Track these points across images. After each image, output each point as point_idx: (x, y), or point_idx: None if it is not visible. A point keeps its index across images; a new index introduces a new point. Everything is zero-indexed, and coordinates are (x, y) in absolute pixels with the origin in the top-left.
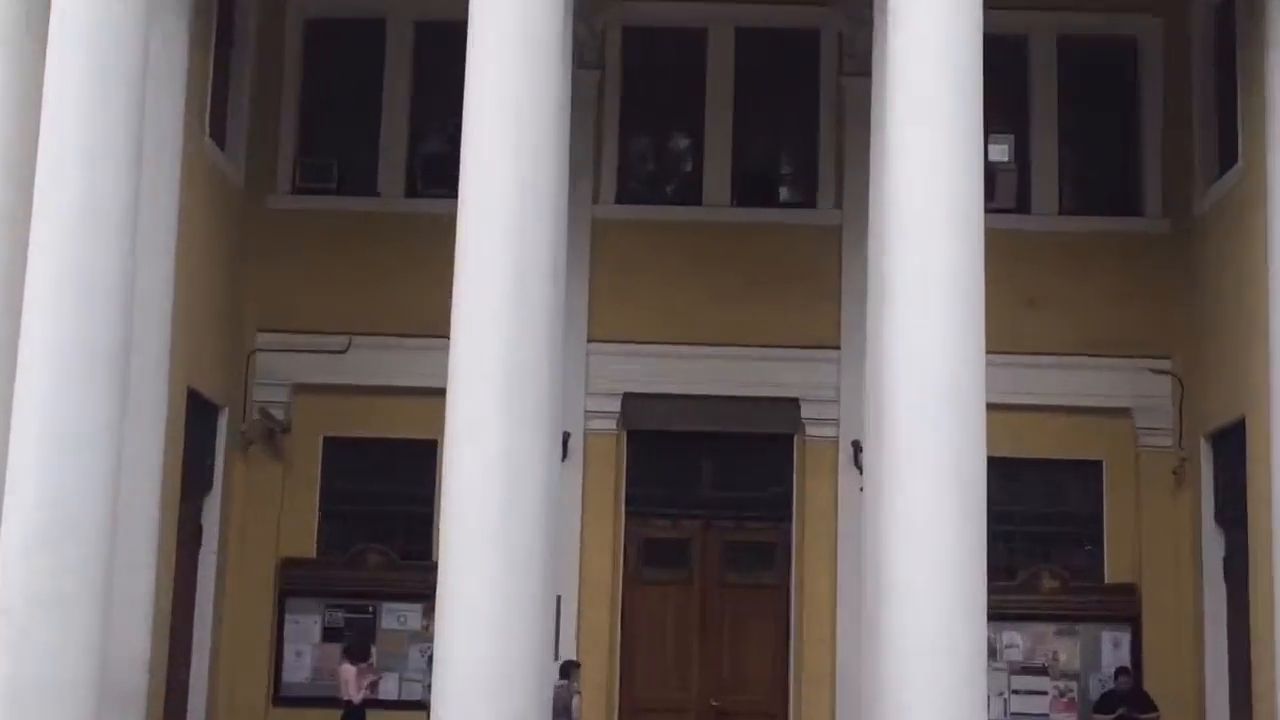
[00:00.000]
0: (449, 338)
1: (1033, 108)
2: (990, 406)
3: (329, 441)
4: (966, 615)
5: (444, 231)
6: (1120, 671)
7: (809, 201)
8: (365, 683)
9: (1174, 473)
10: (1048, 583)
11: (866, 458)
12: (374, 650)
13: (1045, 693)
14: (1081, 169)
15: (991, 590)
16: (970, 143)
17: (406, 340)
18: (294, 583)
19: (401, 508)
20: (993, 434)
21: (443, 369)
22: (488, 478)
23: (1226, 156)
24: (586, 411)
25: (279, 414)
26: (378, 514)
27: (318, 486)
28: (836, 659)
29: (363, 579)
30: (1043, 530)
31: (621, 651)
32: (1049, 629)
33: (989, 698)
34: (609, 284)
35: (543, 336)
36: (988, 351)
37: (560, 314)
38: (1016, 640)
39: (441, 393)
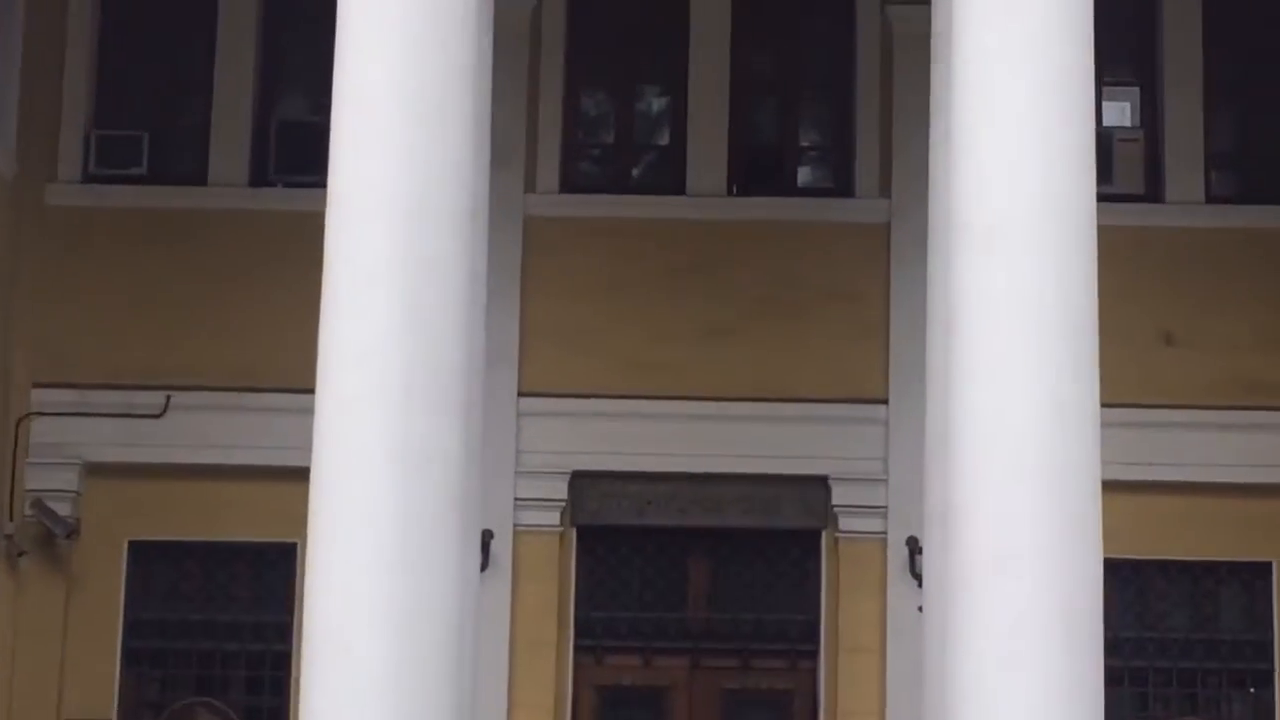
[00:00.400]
0: (314, 394)
1: (1164, 51)
2: (1109, 486)
3: (136, 548)
4: None
5: (307, 238)
6: None
7: (842, 189)
8: None
9: None
10: None
11: (928, 563)
12: None
13: None
14: (1239, 138)
15: None
16: (1078, 99)
17: (251, 397)
18: None
19: (244, 645)
20: (1112, 525)
21: (304, 439)
22: (370, 600)
23: None
24: (517, 500)
25: (62, 509)
26: (209, 654)
27: (120, 615)
28: None
29: None
30: (1188, 666)
31: None
32: None
33: None
34: (550, 313)
35: (452, 394)
36: (1104, 405)
37: (478, 358)
38: None
39: (303, 474)
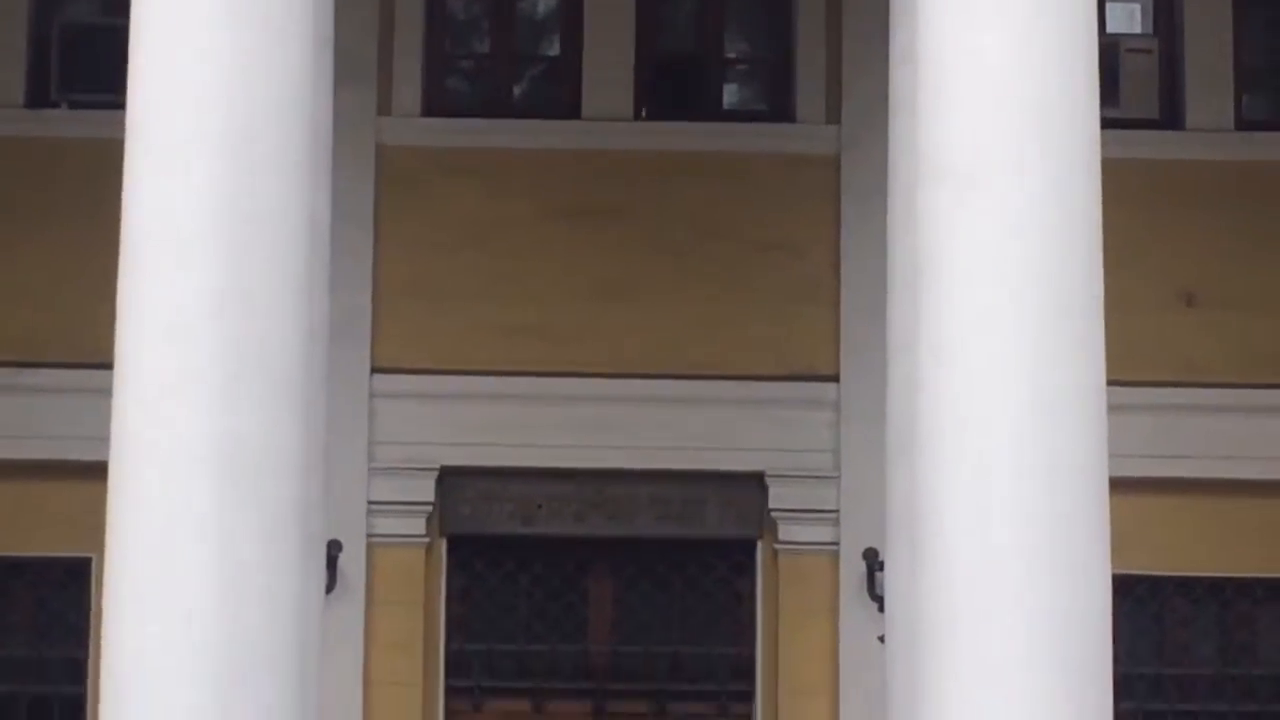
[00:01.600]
0: (112, 371)
1: None
2: (1118, 484)
3: None
4: None
5: (101, 173)
6: None
7: (779, 113)
8: None
9: None
10: None
11: (890, 582)
12: None
13: None
14: (1275, 51)
15: None
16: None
17: (32, 374)
18: None
19: (25, 688)
20: (1123, 534)
21: (101, 427)
22: (188, 635)
23: None
24: (372, 504)
25: None
26: None
27: None
28: None
29: None
30: (1218, 710)
31: None
32: None
33: None
34: (410, 269)
35: (287, 375)
36: (1111, 383)
37: (321, 329)
38: None
39: (99, 470)
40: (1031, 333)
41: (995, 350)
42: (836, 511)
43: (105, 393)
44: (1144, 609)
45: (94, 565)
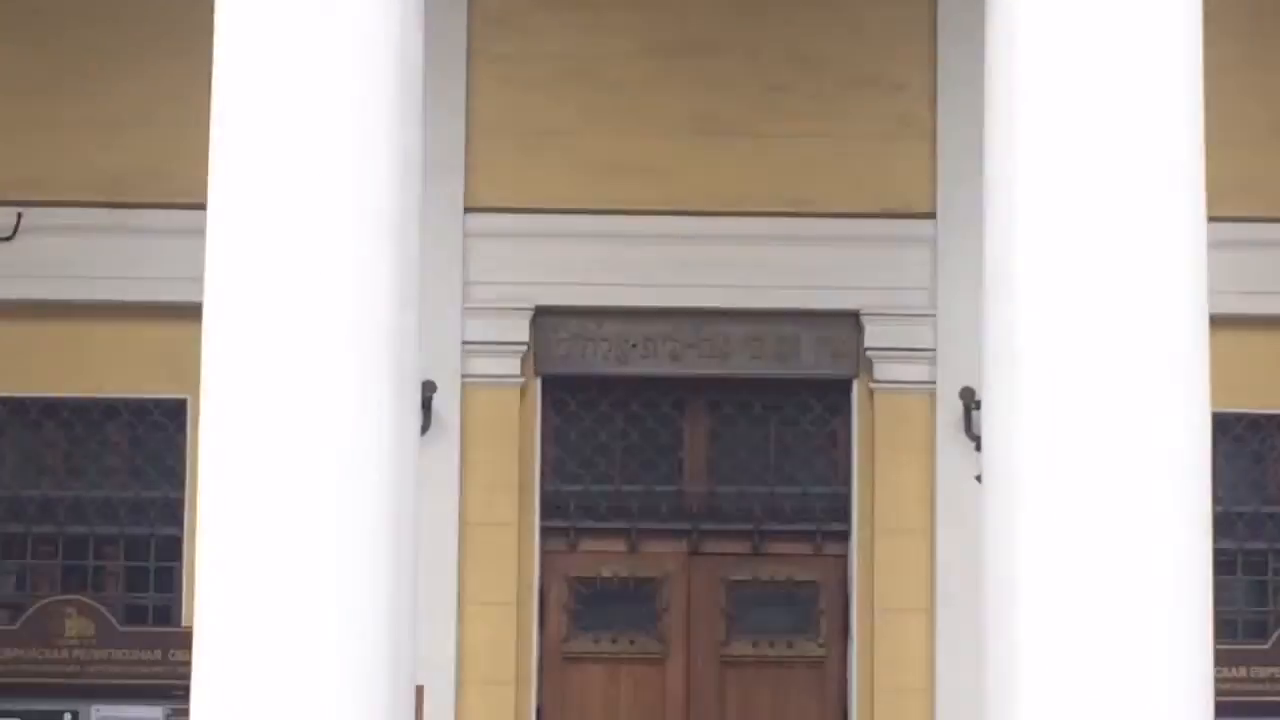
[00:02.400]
0: (205, 211)
1: None
2: (1216, 321)
3: None
4: (1179, 707)
5: (196, 4)
6: None
7: None
8: None
9: None
10: None
11: (987, 420)
12: None
13: None
14: None
15: (1222, 662)
16: None
17: (124, 215)
18: None
19: (123, 529)
20: (1222, 371)
21: (194, 267)
22: (282, 472)
23: None
24: (466, 344)
25: None
26: (78, 541)
27: None
28: None
29: (52, 661)
30: None
31: None
32: None
33: None
34: (505, 106)
35: (380, 211)
36: (1210, 219)
37: (414, 164)
38: None
39: (193, 311)
40: (1133, 166)
41: (1093, 184)
42: (933, 350)
43: (199, 233)
44: (1243, 447)
45: (190, 406)
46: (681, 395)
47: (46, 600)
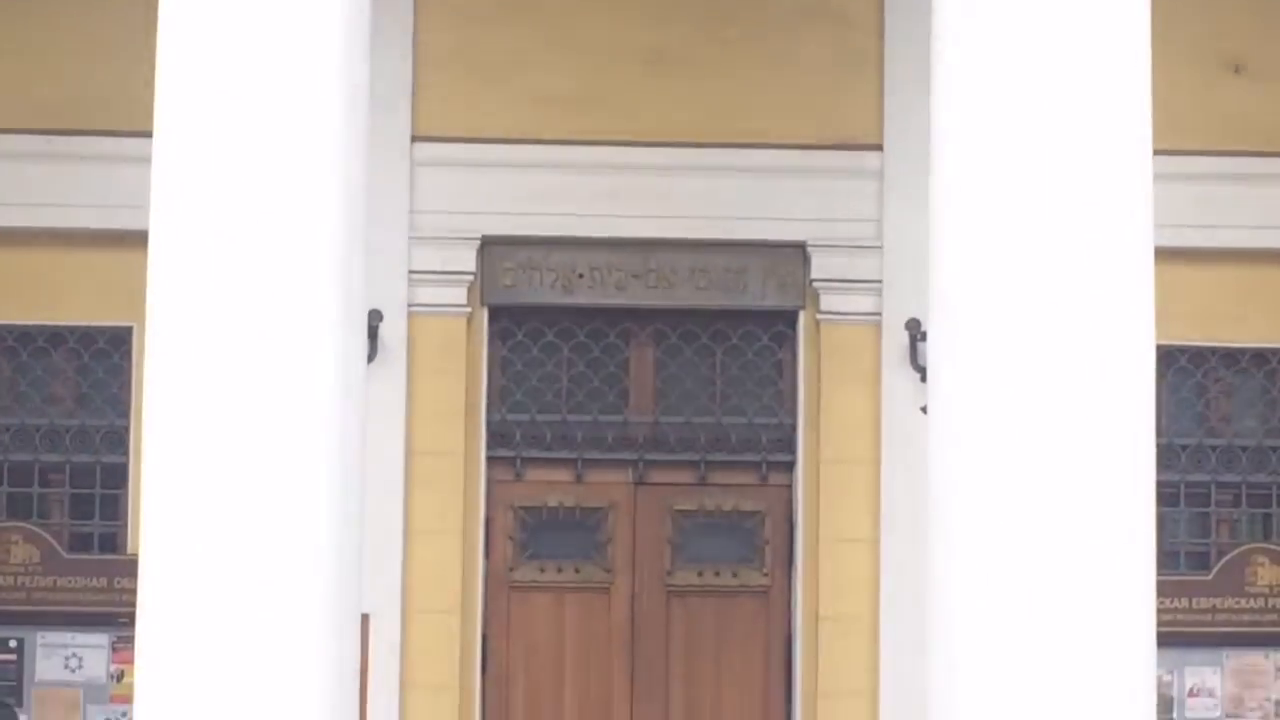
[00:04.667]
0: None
1: None
2: (1161, 254)
3: None
4: (1120, 638)
5: None
6: None
7: None
8: None
9: None
10: (1268, 576)
11: (933, 350)
12: None
13: None
14: None
15: (1165, 593)
16: None
17: (69, 142)
18: None
19: (68, 456)
20: (1166, 304)
21: (140, 195)
22: (229, 400)
23: None
24: (413, 273)
25: None
26: (23, 469)
27: None
28: None
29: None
30: (1260, 480)
31: (483, 710)
32: (1270, 660)
33: None
34: (452, 34)
35: (325, 140)
36: (1156, 152)
37: (360, 93)
38: (1211, 681)
39: (139, 239)
40: (1076, 94)
41: (1039, 115)
42: (879, 282)
43: (144, 160)
44: (1187, 379)
45: (135, 334)
46: (628, 326)
47: None
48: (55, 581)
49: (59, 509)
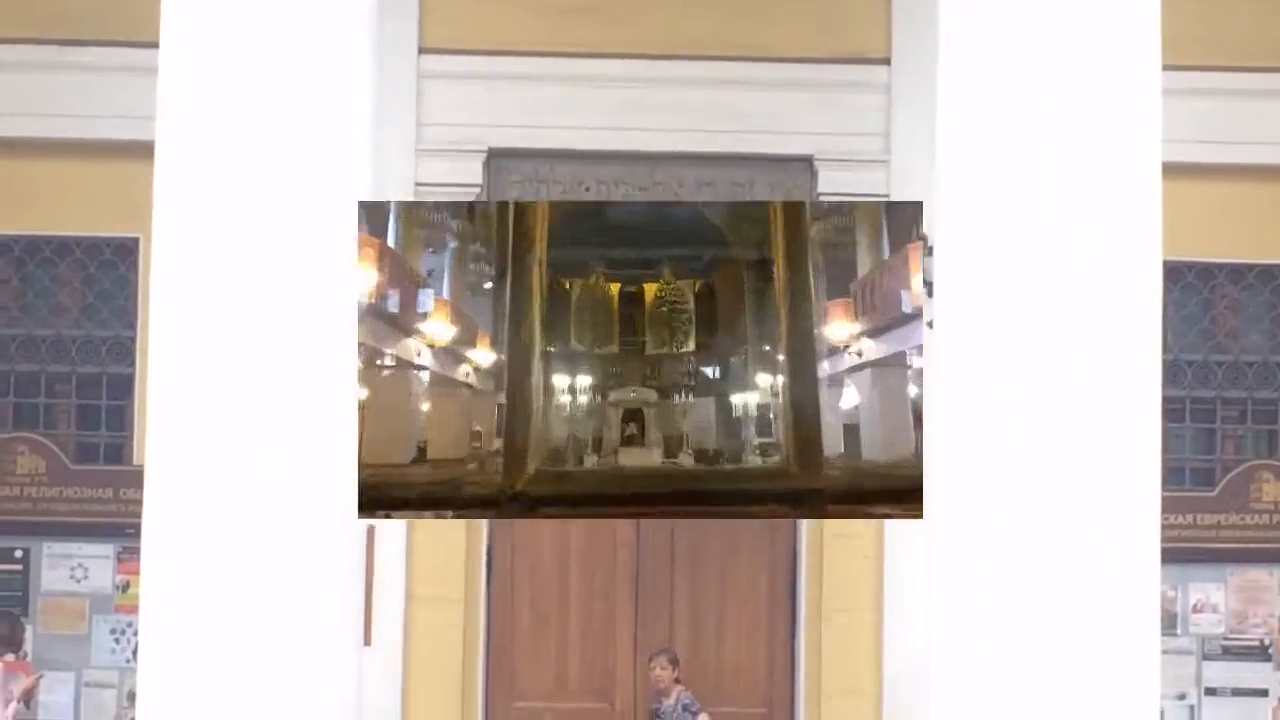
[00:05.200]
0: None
1: None
2: (1168, 170)
3: None
4: (1122, 555)
5: None
6: None
7: None
8: (15, 692)
9: None
10: (1273, 492)
11: (939, 265)
12: (29, 631)
13: (1264, 691)
14: None
15: (1169, 509)
16: None
17: (76, 52)
18: None
19: (74, 368)
20: (1172, 219)
21: (147, 105)
22: (235, 307)
23: None
24: (419, 185)
25: None
26: (30, 379)
27: None
28: (884, 648)
29: (3, 499)
30: (1266, 396)
31: (490, 624)
32: (1274, 576)
33: (1162, 704)
34: None
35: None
36: (1166, 68)
37: (370, 3)
38: (1215, 597)
39: (145, 150)
40: (1085, 8)
41: (1046, 27)
42: (886, 195)
43: (150, 71)
44: (1193, 295)
45: (141, 245)
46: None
47: None
48: (61, 492)
49: (65, 419)
